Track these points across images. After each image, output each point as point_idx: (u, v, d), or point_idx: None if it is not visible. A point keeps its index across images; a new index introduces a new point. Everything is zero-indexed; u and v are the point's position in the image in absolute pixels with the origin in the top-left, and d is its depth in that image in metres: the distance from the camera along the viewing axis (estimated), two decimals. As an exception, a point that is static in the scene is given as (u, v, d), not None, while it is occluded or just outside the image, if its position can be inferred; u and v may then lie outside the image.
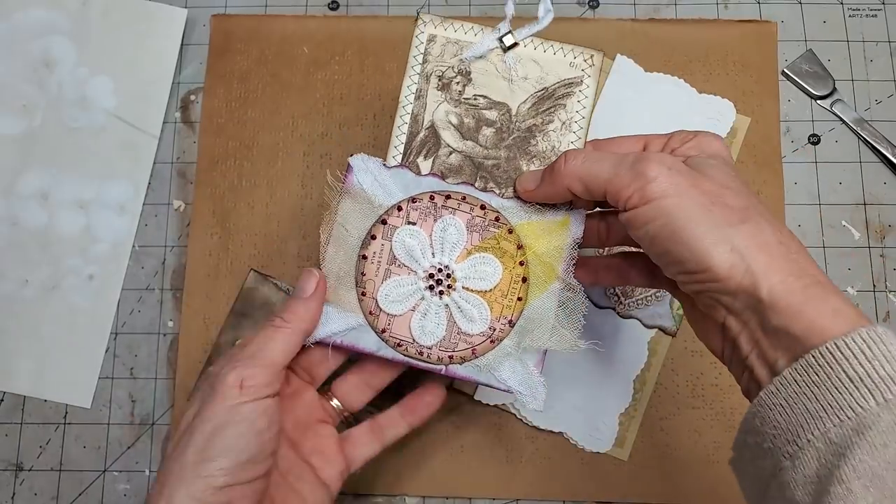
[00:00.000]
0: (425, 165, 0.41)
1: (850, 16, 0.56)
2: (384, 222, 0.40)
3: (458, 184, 0.40)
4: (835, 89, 0.55)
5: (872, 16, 0.56)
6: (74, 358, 0.52)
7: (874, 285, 0.52)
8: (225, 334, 0.51)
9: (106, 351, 0.53)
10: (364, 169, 0.40)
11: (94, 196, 0.54)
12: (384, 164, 0.40)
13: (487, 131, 0.41)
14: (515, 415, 0.50)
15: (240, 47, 0.56)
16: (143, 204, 0.54)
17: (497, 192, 0.40)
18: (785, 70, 0.55)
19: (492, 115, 0.41)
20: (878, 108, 0.55)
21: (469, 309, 0.39)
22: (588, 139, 0.41)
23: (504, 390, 0.40)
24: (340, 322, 0.40)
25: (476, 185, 0.40)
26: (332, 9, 0.58)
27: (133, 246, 0.54)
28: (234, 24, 0.56)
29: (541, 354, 0.40)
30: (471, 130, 0.41)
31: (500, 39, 0.41)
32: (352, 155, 0.40)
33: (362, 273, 0.40)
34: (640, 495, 0.49)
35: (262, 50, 0.56)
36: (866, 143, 0.54)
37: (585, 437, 0.50)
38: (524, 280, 0.39)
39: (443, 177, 0.40)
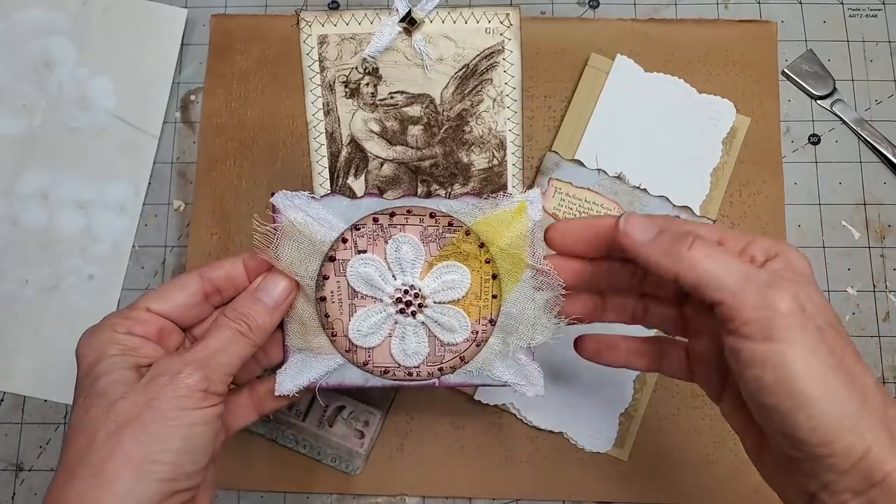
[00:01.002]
0: (358, 185, 0.37)
1: (850, 16, 0.56)
2: (332, 259, 0.37)
3: (399, 197, 0.37)
4: (835, 89, 0.55)
5: (872, 16, 0.56)
6: (75, 358, 0.52)
7: (874, 285, 0.52)
8: (225, 334, 0.51)
9: (106, 351, 0.53)
10: (291, 206, 0.36)
11: (95, 196, 0.54)
12: (311, 197, 0.36)
13: (415, 130, 0.37)
14: (515, 415, 0.50)
15: (240, 47, 0.56)
16: (143, 204, 0.54)
17: (442, 193, 0.37)
18: (785, 70, 0.55)
19: (415, 110, 0.37)
20: (878, 108, 0.55)
21: (446, 321, 0.38)
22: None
23: (501, 385, 0.39)
24: (320, 367, 0.38)
25: (419, 192, 0.37)
26: (331, 9, 0.58)
27: (133, 246, 0.54)
28: (234, 23, 0.56)
29: (528, 346, 0.39)
30: (397, 134, 0.37)
31: (403, 21, 0.35)
32: (273, 193, 0.36)
33: (326, 315, 0.37)
34: (640, 495, 0.49)
35: (262, 50, 0.56)
36: (866, 143, 0.54)
37: (585, 437, 0.50)
38: (494, 277, 0.38)
39: (380, 193, 0.37)
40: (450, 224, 0.37)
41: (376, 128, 0.36)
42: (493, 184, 0.37)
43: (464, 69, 0.36)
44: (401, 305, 0.38)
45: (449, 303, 0.38)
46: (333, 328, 0.37)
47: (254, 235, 0.35)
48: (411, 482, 0.50)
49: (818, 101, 0.55)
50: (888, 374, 0.51)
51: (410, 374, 0.38)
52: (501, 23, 0.36)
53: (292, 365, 0.38)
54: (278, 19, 0.56)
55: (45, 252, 0.53)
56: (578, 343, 0.41)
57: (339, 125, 0.36)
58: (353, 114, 0.36)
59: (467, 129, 0.37)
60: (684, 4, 0.57)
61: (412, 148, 0.37)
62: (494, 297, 0.38)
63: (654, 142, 0.53)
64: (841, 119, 0.55)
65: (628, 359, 0.39)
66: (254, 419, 0.39)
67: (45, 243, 0.54)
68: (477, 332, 0.38)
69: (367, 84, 0.36)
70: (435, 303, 0.38)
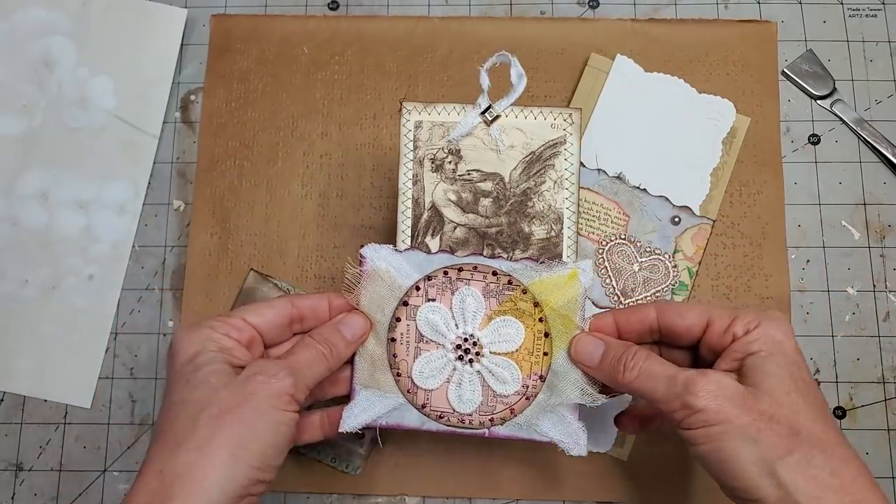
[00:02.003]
0: (433, 243, 0.43)
1: (849, 16, 0.56)
2: (405, 303, 0.41)
3: (467, 255, 0.42)
4: (835, 89, 0.55)
5: (872, 16, 0.56)
6: (74, 358, 0.52)
7: (874, 285, 0.52)
8: (225, 334, 0.51)
9: (106, 351, 0.53)
10: (377, 257, 0.41)
11: (94, 196, 0.54)
12: (395, 249, 0.42)
13: (486, 202, 0.43)
14: (515, 415, 0.50)
15: (240, 47, 0.56)
16: (143, 204, 0.54)
17: (505, 256, 0.42)
18: (785, 70, 0.55)
19: (487, 186, 0.43)
20: (878, 108, 0.55)
21: (500, 372, 0.41)
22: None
23: (547, 441, 0.41)
24: (382, 405, 0.41)
25: (484, 253, 0.43)
26: (331, 9, 0.58)
27: (133, 246, 0.54)
28: (234, 24, 0.56)
29: (574, 404, 0.41)
30: (470, 203, 0.43)
31: (483, 115, 0.43)
32: (363, 245, 0.41)
33: (394, 355, 0.41)
34: (640, 496, 0.49)
35: (262, 50, 0.56)
36: (866, 143, 0.54)
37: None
38: (546, 335, 0.41)
39: (452, 251, 0.42)
40: (509, 282, 0.41)
41: (454, 197, 0.43)
42: (549, 252, 0.43)
43: (530, 155, 0.43)
44: (460, 352, 0.41)
45: (503, 354, 0.41)
46: (399, 368, 0.41)
47: (345, 275, 0.41)
48: (411, 482, 0.50)
49: (818, 101, 0.55)
50: (888, 375, 0.51)
51: (463, 420, 0.41)
52: (565, 120, 0.43)
53: (358, 403, 0.41)
54: (278, 19, 0.56)
55: (45, 252, 0.53)
56: (619, 422, 0.44)
57: (423, 193, 0.43)
58: (436, 185, 0.43)
59: (530, 204, 0.43)
60: (684, 4, 0.57)
61: (482, 216, 0.43)
62: (545, 354, 0.41)
63: (654, 142, 0.53)
64: (841, 119, 0.55)
65: (648, 424, 0.43)
66: (318, 438, 0.42)
67: (45, 243, 0.54)
68: (527, 387, 0.41)
69: (450, 162, 0.43)
70: (491, 353, 0.41)
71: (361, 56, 0.55)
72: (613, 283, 0.51)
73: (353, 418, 0.41)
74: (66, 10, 0.57)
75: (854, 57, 0.56)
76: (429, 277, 0.42)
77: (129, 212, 0.54)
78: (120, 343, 0.53)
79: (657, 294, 0.51)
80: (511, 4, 0.57)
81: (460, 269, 0.42)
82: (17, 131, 0.55)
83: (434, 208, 0.43)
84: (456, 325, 0.41)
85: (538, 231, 0.43)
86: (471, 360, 0.41)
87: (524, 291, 0.41)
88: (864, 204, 0.53)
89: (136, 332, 0.53)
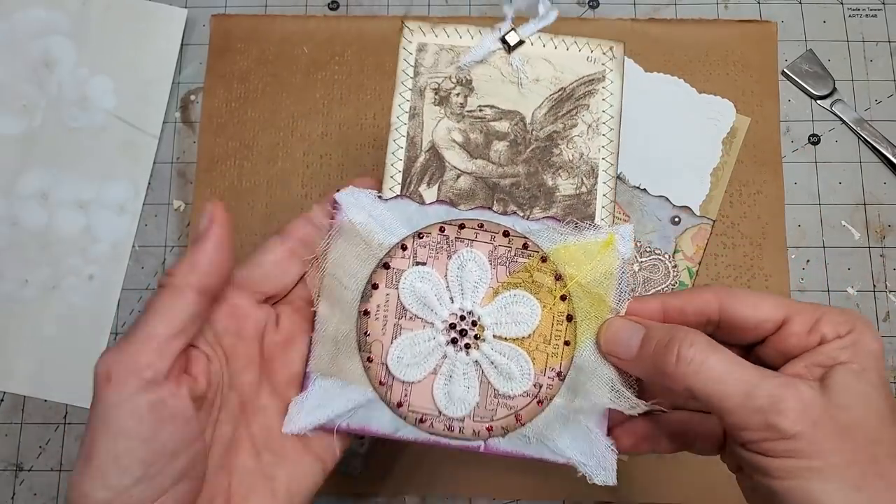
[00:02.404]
0: (430, 194, 0.34)
1: (849, 16, 0.56)
2: (387, 266, 0.33)
3: (472, 209, 0.33)
4: (835, 89, 0.55)
5: (872, 16, 0.56)
6: (75, 358, 0.52)
7: (874, 285, 0.52)
8: (225, 334, 0.51)
9: (106, 351, 0.53)
10: (355, 204, 0.33)
11: (94, 196, 0.54)
12: (379, 197, 0.33)
13: (499, 146, 0.34)
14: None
15: (240, 47, 0.56)
16: (143, 204, 0.54)
17: (521, 214, 0.33)
18: (785, 70, 0.55)
19: (503, 126, 0.34)
20: (878, 108, 0.55)
21: (505, 363, 0.32)
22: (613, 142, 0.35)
23: (563, 462, 0.32)
24: (344, 400, 0.32)
25: (494, 209, 0.33)
26: (331, 9, 0.58)
27: (133, 246, 0.54)
28: (234, 24, 0.56)
29: (603, 411, 0.32)
30: (480, 147, 0.34)
31: (503, 39, 0.35)
32: (338, 189, 0.33)
33: (366, 333, 0.32)
34: (641, 495, 0.49)
35: (262, 50, 0.56)
36: (866, 143, 0.54)
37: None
38: (569, 318, 0.32)
39: (453, 204, 0.34)
40: (525, 246, 0.33)
41: (459, 138, 0.34)
42: (578, 213, 0.33)
43: (560, 92, 0.35)
44: (454, 334, 0.32)
45: (511, 340, 0.32)
46: (371, 351, 0.32)
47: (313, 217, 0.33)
48: (411, 482, 0.50)
49: (818, 101, 0.55)
50: (889, 375, 0.51)
51: (451, 427, 0.32)
52: (604, 53, 0.35)
53: (311, 396, 0.32)
54: (278, 19, 0.56)
55: (44, 252, 0.53)
56: (610, 433, 0.35)
57: (421, 130, 0.34)
58: (439, 121, 0.34)
59: (556, 151, 0.34)
60: (684, 4, 0.57)
61: (494, 164, 0.34)
62: (567, 343, 0.32)
63: (653, 142, 0.53)
64: (841, 119, 0.55)
65: (657, 443, 0.35)
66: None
67: (44, 243, 0.54)
68: (541, 386, 0.32)
69: (458, 94, 0.35)
70: (494, 337, 0.32)
71: (361, 56, 0.55)
72: (613, 283, 0.51)
73: (302, 416, 0.32)
74: (65, 10, 0.57)
75: (854, 57, 0.56)
76: (420, 235, 0.33)
77: (129, 212, 0.54)
78: (120, 343, 0.53)
79: (658, 294, 0.51)
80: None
81: (461, 226, 0.33)
82: (16, 131, 0.55)
83: (434, 150, 0.34)
84: (451, 297, 0.32)
85: (565, 185, 0.34)
86: (467, 346, 0.32)
87: (543, 259, 0.32)
88: (864, 204, 0.53)
89: (136, 332, 0.53)
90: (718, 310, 0.31)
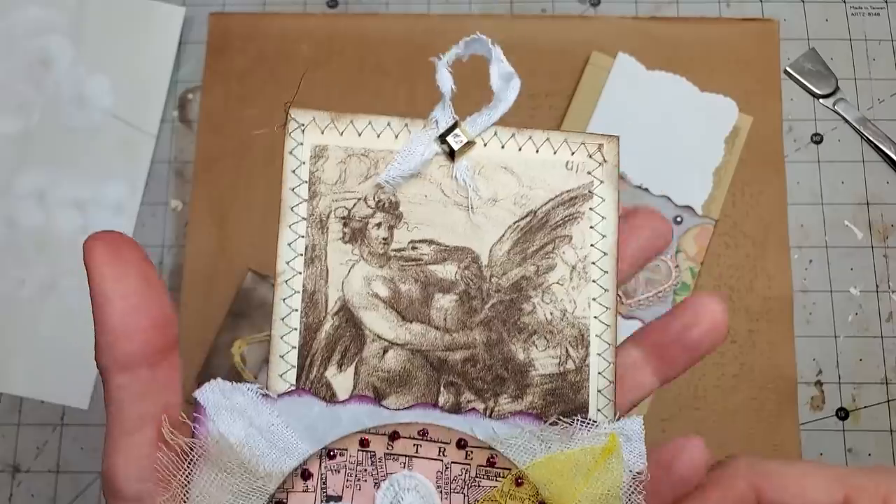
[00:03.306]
0: (343, 382, 0.23)
1: (852, 14, 0.56)
2: None
3: (408, 408, 0.23)
4: (837, 88, 0.55)
5: (875, 14, 0.56)
6: (72, 359, 0.52)
7: (877, 285, 0.52)
8: (222, 335, 0.51)
9: (103, 352, 0.52)
10: (227, 408, 0.22)
11: (91, 196, 0.54)
12: (264, 394, 0.22)
13: (444, 301, 0.23)
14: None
15: (238, 46, 0.55)
16: (141, 204, 0.54)
17: (481, 408, 0.23)
18: (787, 69, 0.55)
19: (448, 271, 0.23)
20: (881, 107, 0.54)
21: None
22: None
23: None
24: None
25: (440, 401, 0.23)
26: (330, 7, 0.57)
27: (130, 246, 0.53)
28: (233, 22, 0.56)
29: None
30: (415, 304, 0.23)
31: (443, 139, 0.23)
32: (200, 382, 0.22)
33: None
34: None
35: (261, 48, 0.55)
36: (869, 142, 0.54)
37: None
38: None
39: (378, 398, 0.23)
40: (490, 463, 0.22)
41: (384, 291, 0.23)
42: (564, 402, 0.23)
43: (529, 217, 0.24)
44: None
45: None
46: None
47: (157, 457, 0.21)
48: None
49: (820, 100, 0.55)
50: (891, 375, 0.51)
51: None
52: (591, 156, 0.25)
53: None
54: (277, 18, 0.56)
55: (41, 252, 0.53)
56: None
57: (325, 282, 0.23)
58: (352, 267, 0.23)
59: (528, 307, 0.23)
60: (686, 2, 0.56)
61: (437, 329, 0.23)
62: None
63: (655, 141, 0.52)
64: (843, 118, 0.54)
65: None
66: None
67: (41, 243, 0.53)
68: None
69: (380, 225, 0.23)
70: None
71: (361, 54, 0.55)
72: (615, 283, 0.51)
73: None
74: (62, 8, 0.56)
75: (857, 56, 0.55)
76: (330, 453, 0.22)
77: (127, 211, 0.54)
78: (117, 344, 0.52)
79: (659, 295, 0.51)
80: (512, 2, 0.57)
81: (393, 437, 0.22)
82: (13, 130, 0.55)
83: (346, 311, 0.23)
84: None
85: (542, 360, 0.23)
86: None
87: (518, 482, 0.22)
88: (867, 203, 0.53)
89: (134, 332, 0.52)
90: (757, 500, 0.24)
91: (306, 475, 0.22)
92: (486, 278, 0.23)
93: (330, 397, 0.22)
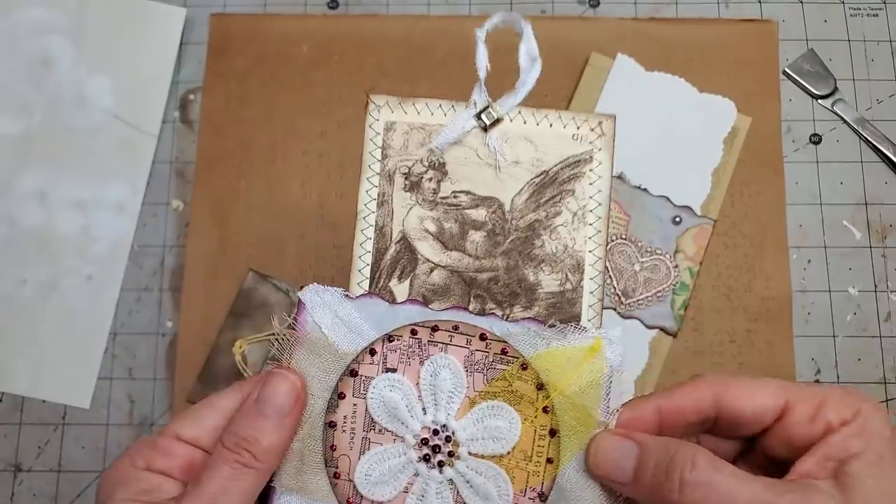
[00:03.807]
0: (401, 290, 0.32)
1: (851, 15, 0.56)
2: (354, 373, 0.30)
3: (445, 309, 0.30)
4: (836, 89, 0.55)
5: (873, 15, 0.56)
6: (73, 358, 0.52)
7: (875, 285, 0.52)
8: (224, 335, 0.51)
9: (104, 351, 0.52)
10: (320, 304, 0.30)
11: (93, 196, 0.54)
12: (346, 295, 0.31)
13: (476, 236, 0.32)
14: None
15: (239, 46, 0.56)
16: (142, 204, 0.54)
17: (499, 313, 0.31)
18: (786, 69, 0.55)
19: (479, 214, 0.32)
20: (880, 107, 0.55)
21: (482, 483, 0.29)
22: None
23: None
24: None
25: (470, 307, 0.32)
26: (331, 8, 0.57)
27: (131, 246, 0.54)
28: (233, 23, 0.56)
29: None
30: (455, 237, 0.32)
31: (478, 116, 0.31)
32: (301, 287, 0.31)
33: (332, 447, 0.30)
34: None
35: (261, 49, 0.55)
36: (867, 142, 0.54)
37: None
38: (552, 433, 0.29)
39: (425, 302, 0.31)
40: (503, 352, 0.30)
41: (433, 228, 0.32)
42: (562, 312, 0.31)
43: (542, 175, 0.32)
44: (426, 450, 0.30)
45: (489, 458, 0.30)
46: (338, 466, 0.30)
47: (272, 342, 0.31)
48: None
49: (819, 101, 0.55)
50: (890, 375, 0.51)
51: None
52: (592, 130, 0.32)
53: None
54: (277, 19, 0.56)
55: (43, 252, 0.53)
56: None
57: (391, 219, 0.32)
58: (410, 209, 0.32)
59: (538, 242, 0.32)
60: (685, 3, 0.57)
61: (470, 256, 0.32)
62: (549, 461, 0.30)
63: (654, 141, 0.53)
64: (842, 119, 0.54)
65: None
66: None
67: (43, 243, 0.53)
68: None
69: (431, 179, 0.32)
70: (470, 454, 0.30)
71: (361, 55, 0.55)
72: (614, 283, 0.51)
73: None
74: (64, 9, 0.56)
75: (855, 56, 0.55)
76: (390, 338, 0.30)
77: (128, 212, 0.54)
78: (118, 344, 0.52)
79: (658, 295, 0.51)
80: (511, 3, 0.57)
81: (434, 329, 0.30)
82: (15, 131, 0.55)
83: (405, 241, 0.32)
84: (423, 409, 0.30)
85: (548, 281, 0.32)
86: (440, 463, 0.30)
87: (524, 367, 0.30)
88: (866, 204, 0.53)
89: (135, 332, 0.53)
90: (715, 405, 0.29)
91: (373, 352, 0.30)
92: (508, 220, 0.32)
93: (391, 300, 0.31)
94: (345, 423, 0.30)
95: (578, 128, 0.32)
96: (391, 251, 0.32)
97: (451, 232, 0.32)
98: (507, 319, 0.30)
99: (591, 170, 0.32)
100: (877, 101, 0.55)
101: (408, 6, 0.57)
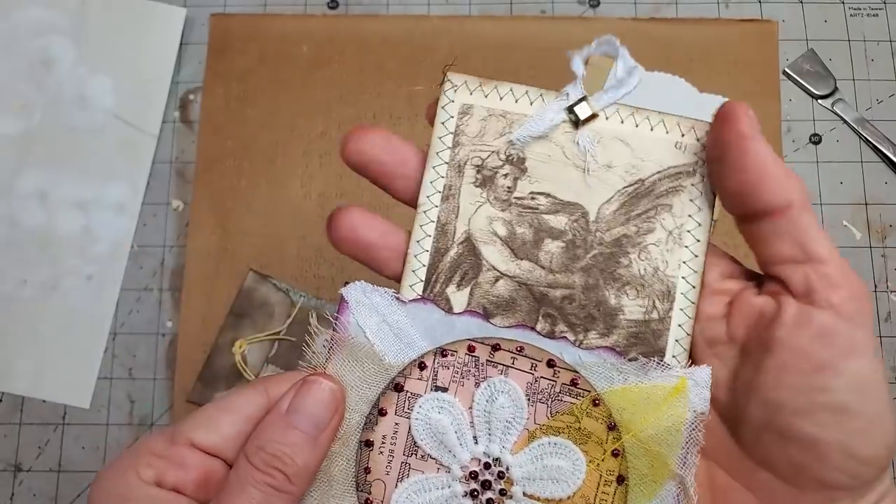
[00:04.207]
0: (459, 299, 0.28)
1: (851, 15, 0.56)
2: (398, 388, 0.27)
3: (510, 327, 0.27)
4: (836, 89, 0.55)
5: (874, 15, 0.56)
6: (73, 358, 0.52)
7: (875, 286, 0.52)
8: (224, 335, 0.51)
9: (105, 351, 0.52)
10: (366, 305, 0.27)
11: (93, 196, 0.54)
12: (396, 298, 0.27)
13: (552, 246, 0.28)
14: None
15: (239, 46, 0.56)
16: (142, 204, 0.54)
17: (571, 338, 0.27)
18: (786, 69, 0.55)
19: (559, 221, 0.28)
20: (880, 107, 0.55)
21: None
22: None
23: None
24: None
25: (538, 327, 0.27)
26: (331, 8, 0.58)
27: (132, 246, 0.54)
28: (234, 23, 0.56)
29: None
30: (527, 245, 0.28)
31: (570, 110, 0.28)
32: (346, 283, 0.27)
33: (366, 469, 0.26)
34: None
35: (262, 49, 0.56)
36: (867, 142, 0.54)
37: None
38: (620, 480, 0.26)
39: (486, 316, 0.27)
40: (573, 383, 0.26)
41: (503, 231, 0.28)
42: (644, 345, 0.27)
43: (636, 184, 0.28)
44: (474, 485, 0.26)
45: (544, 501, 0.26)
46: (370, 492, 0.26)
47: (308, 343, 0.27)
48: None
49: (819, 101, 0.55)
50: (890, 375, 0.51)
51: None
52: (698, 140, 0.28)
53: None
54: (278, 19, 0.56)
55: (43, 252, 0.53)
56: None
57: (456, 216, 0.28)
58: (479, 207, 0.28)
59: (624, 261, 0.27)
60: (685, 4, 0.57)
61: (543, 268, 0.27)
62: None
63: (654, 141, 0.53)
64: (842, 119, 0.54)
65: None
66: None
67: (43, 243, 0.53)
68: None
69: (507, 175, 0.28)
70: (525, 495, 0.26)
71: (361, 55, 0.55)
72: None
73: None
74: (64, 9, 0.56)
75: (855, 56, 0.55)
76: (443, 352, 0.27)
77: (128, 212, 0.54)
78: (119, 343, 0.53)
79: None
80: (511, 3, 0.57)
81: (496, 347, 0.27)
82: (15, 131, 0.55)
83: (469, 243, 0.28)
84: (475, 437, 0.27)
85: (631, 307, 0.27)
86: (489, 501, 0.26)
87: (595, 402, 0.26)
88: (866, 204, 0.53)
89: (135, 332, 0.53)
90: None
91: (422, 366, 0.27)
92: (592, 232, 0.28)
93: (448, 309, 0.27)
94: (383, 443, 0.26)
95: (683, 135, 0.28)
96: (452, 253, 0.28)
97: (524, 238, 0.28)
98: (580, 346, 0.27)
99: (693, 185, 0.27)
100: (877, 101, 0.55)
101: (408, 6, 0.57)
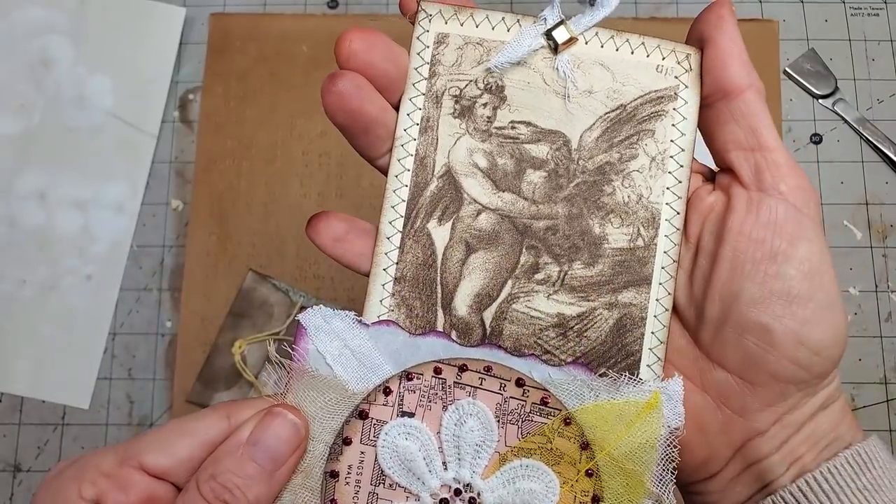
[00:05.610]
0: (441, 233, 0.27)
1: (851, 15, 0.56)
2: (363, 415, 0.26)
3: (476, 346, 0.26)
4: (837, 88, 0.55)
5: (874, 15, 0.56)
6: (72, 358, 0.52)
7: (876, 285, 0.52)
8: (223, 335, 0.51)
9: (104, 351, 0.52)
10: (326, 330, 0.26)
11: (92, 196, 0.54)
12: (358, 321, 0.26)
13: (535, 176, 0.27)
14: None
15: (238, 46, 0.56)
16: (142, 204, 0.54)
17: (556, 271, 0.26)
18: (787, 69, 0.55)
19: (540, 150, 0.27)
20: (880, 107, 0.55)
21: None
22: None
23: None
24: None
25: (521, 260, 0.27)
26: (331, 8, 0.57)
27: (131, 246, 0.54)
28: (233, 22, 0.56)
29: None
30: (509, 176, 0.27)
31: (549, 34, 0.26)
32: (302, 307, 0.28)
33: (332, 501, 0.25)
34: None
35: (261, 49, 0.55)
36: (868, 142, 0.54)
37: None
38: (595, 501, 0.25)
39: (452, 333, 0.26)
40: (543, 402, 0.26)
41: (483, 162, 0.27)
42: (630, 272, 0.26)
43: (618, 110, 0.27)
44: None
45: None
46: None
47: (264, 377, 0.26)
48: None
49: (820, 101, 0.55)
50: (890, 375, 0.51)
51: None
52: (679, 63, 0.27)
53: None
54: (277, 18, 0.56)
55: (42, 252, 0.53)
56: None
57: (435, 149, 0.27)
58: (458, 139, 0.27)
59: (608, 189, 0.27)
60: (685, 3, 0.57)
61: (526, 199, 0.27)
62: None
63: (654, 141, 0.52)
64: (843, 118, 0.54)
65: None
66: None
67: (42, 243, 0.53)
68: None
69: (486, 104, 0.27)
70: None
71: (361, 55, 0.55)
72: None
73: None
74: (64, 9, 0.56)
75: (856, 56, 0.55)
76: (408, 375, 0.26)
77: (128, 212, 0.54)
78: (118, 343, 0.52)
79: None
80: (511, 3, 0.57)
81: (463, 368, 0.26)
82: (14, 131, 0.55)
83: (449, 176, 0.27)
84: (444, 463, 0.26)
85: (616, 235, 0.27)
86: None
87: (567, 421, 0.25)
88: (867, 204, 0.53)
89: (134, 332, 0.53)
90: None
91: (387, 391, 0.26)
92: (574, 160, 0.27)
93: (429, 245, 0.27)
94: (349, 473, 0.25)
95: (664, 58, 0.27)
96: (432, 187, 0.27)
97: (506, 169, 0.27)
98: (550, 363, 0.26)
99: (675, 109, 0.27)
100: (877, 100, 0.55)
101: (408, 6, 0.57)
